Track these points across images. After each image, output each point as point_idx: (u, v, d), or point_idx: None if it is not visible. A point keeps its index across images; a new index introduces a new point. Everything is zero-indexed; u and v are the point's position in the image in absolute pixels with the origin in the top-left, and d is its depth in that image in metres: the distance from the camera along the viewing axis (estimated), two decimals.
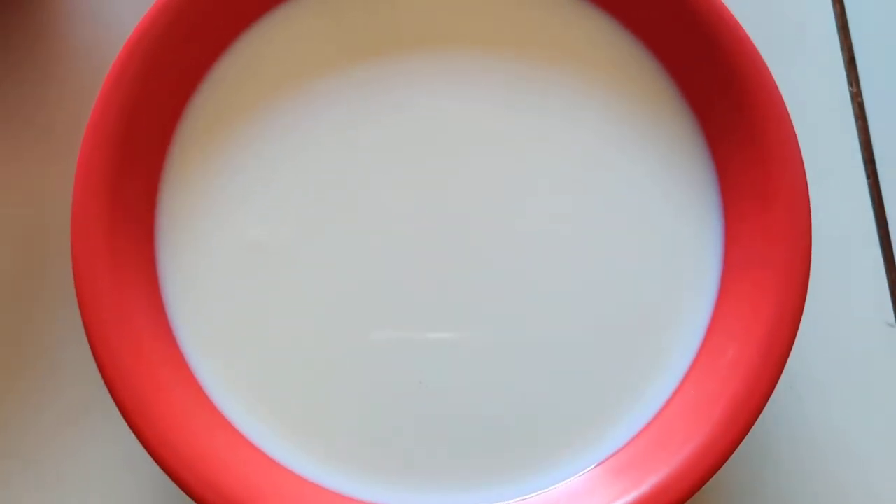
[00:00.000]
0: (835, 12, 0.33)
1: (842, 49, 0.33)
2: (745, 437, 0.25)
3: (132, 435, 0.26)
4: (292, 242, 0.27)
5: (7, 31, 0.31)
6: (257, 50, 0.28)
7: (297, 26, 0.28)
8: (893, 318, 0.31)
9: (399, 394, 0.26)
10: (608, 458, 0.26)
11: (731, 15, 0.27)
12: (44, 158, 0.30)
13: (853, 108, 0.32)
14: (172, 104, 0.27)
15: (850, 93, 0.32)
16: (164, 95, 0.27)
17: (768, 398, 0.25)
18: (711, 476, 0.24)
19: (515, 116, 0.28)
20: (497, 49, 0.28)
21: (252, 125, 0.28)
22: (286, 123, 0.28)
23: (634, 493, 0.25)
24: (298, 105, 0.28)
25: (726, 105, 0.27)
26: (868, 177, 0.32)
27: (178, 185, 0.27)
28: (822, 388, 0.30)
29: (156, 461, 0.25)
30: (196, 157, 0.27)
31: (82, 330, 0.28)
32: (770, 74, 0.26)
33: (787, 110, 0.27)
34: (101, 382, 0.26)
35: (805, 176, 0.26)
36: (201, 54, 0.27)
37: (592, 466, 0.26)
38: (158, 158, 0.27)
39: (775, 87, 0.26)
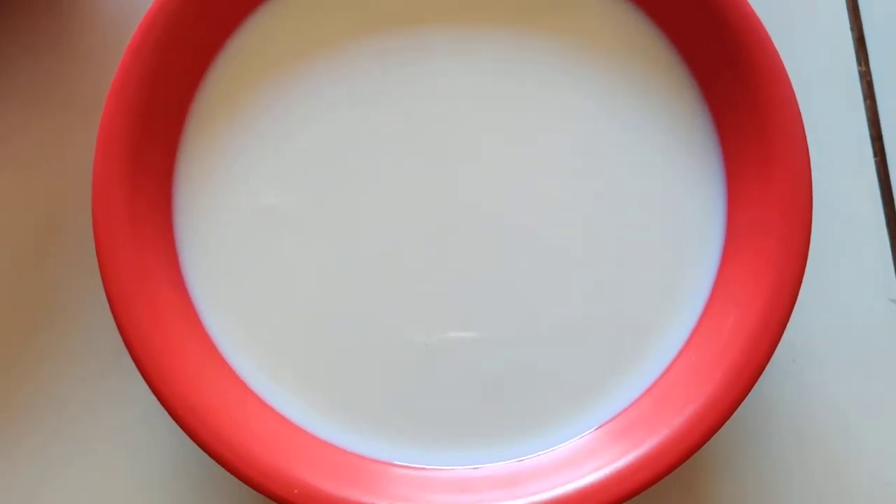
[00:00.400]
0: None
1: (851, 28, 0.33)
2: (742, 400, 0.25)
3: (149, 394, 0.27)
4: (305, 208, 0.28)
5: (29, 5, 0.32)
6: (273, 23, 0.29)
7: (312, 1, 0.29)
8: None
9: (405, 354, 0.27)
10: (609, 421, 0.27)
11: None
12: (65, 126, 0.31)
13: (862, 87, 0.33)
14: (191, 73, 0.28)
15: (859, 71, 0.33)
16: (183, 65, 0.28)
17: (766, 363, 0.26)
18: (708, 438, 0.25)
19: (521, 90, 0.28)
20: (504, 24, 0.29)
21: (268, 95, 0.28)
22: (301, 94, 0.28)
23: (633, 454, 0.25)
24: (313, 77, 0.28)
25: (730, 77, 0.27)
26: (875, 154, 0.32)
27: (196, 152, 0.28)
28: (823, 361, 0.31)
29: (171, 415, 0.26)
30: (213, 124, 0.28)
31: (100, 293, 0.29)
32: (774, 46, 0.27)
33: (789, 81, 0.27)
34: (119, 344, 0.27)
35: (807, 145, 0.27)
36: (219, 26, 0.28)
37: (593, 429, 0.27)
38: (177, 125, 0.28)
39: (778, 59, 0.27)
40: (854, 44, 0.33)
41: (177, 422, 0.26)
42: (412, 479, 0.26)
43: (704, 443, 0.25)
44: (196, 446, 0.26)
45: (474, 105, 0.28)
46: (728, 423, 0.26)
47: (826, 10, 0.33)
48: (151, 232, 0.27)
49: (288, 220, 0.28)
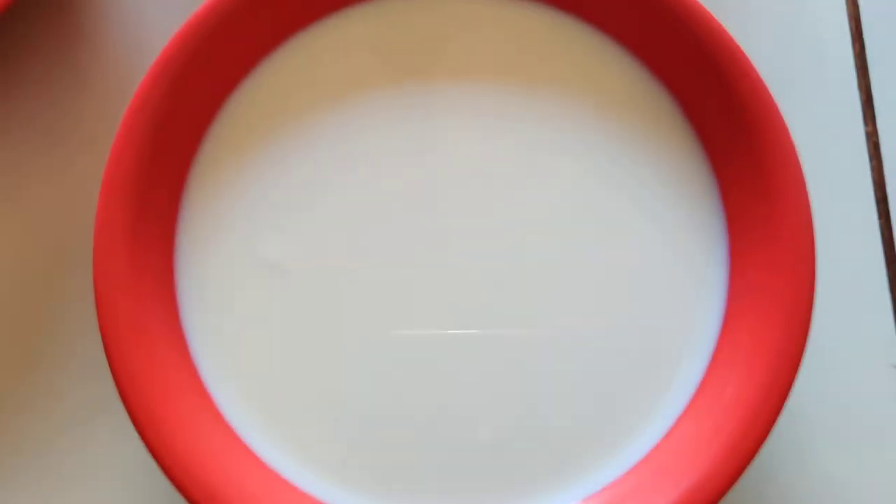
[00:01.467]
0: (854, 51, 0.33)
1: (859, 87, 0.32)
2: (739, 477, 0.25)
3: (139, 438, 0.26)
4: (312, 264, 0.27)
5: (41, 34, 0.31)
6: (286, 68, 0.28)
7: (330, 45, 0.28)
8: None
9: (407, 417, 0.27)
10: (595, 494, 0.26)
11: (741, 50, 0.27)
12: (72, 160, 0.31)
13: (868, 148, 0.32)
14: (201, 119, 0.27)
15: (866, 132, 0.32)
16: (190, 114, 0.27)
17: (765, 438, 0.25)
18: None
19: (529, 145, 0.28)
20: (516, 82, 0.28)
21: (276, 147, 0.28)
22: (312, 143, 0.28)
23: None
24: (325, 125, 0.28)
25: (733, 137, 0.27)
26: (879, 216, 0.32)
27: (202, 202, 0.27)
28: (824, 431, 0.30)
29: (164, 472, 0.25)
30: (220, 173, 0.28)
31: (97, 332, 0.29)
32: (777, 110, 0.26)
33: (793, 144, 0.26)
34: (111, 386, 0.26)
35: (810, 210, 0.26)
36: (231, 71, 0.28)
37: (581, 499, 0.26)
38: (183, 171, 0.27)
39: (782, 122, 0.26)
40: (861, 104, 0.32)
41: (168, 477, 0.25)
42: None
43: None
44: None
45: (485, 163, 0.28)
46: None
47: (834, 68, 0.32)
48: (153, 282, 0.26)
49: (296, 275, 0.27)
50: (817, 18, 0.33)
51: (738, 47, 0.26)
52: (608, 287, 0.27)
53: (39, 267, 0.30)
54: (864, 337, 0.31)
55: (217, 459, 0.26)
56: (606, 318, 0.27)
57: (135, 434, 0.27)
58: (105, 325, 0.25)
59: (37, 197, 0.31)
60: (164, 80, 0.26)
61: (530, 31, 0.28)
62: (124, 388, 0.25)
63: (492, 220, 0.28)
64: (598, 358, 0.27)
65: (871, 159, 0.32)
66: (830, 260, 0.30)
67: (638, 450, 0.27)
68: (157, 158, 0.26)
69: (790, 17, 0.32)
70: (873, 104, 0.32)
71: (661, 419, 0.27)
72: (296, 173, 0.28)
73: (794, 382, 0.26)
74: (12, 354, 0.30)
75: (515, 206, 0.28)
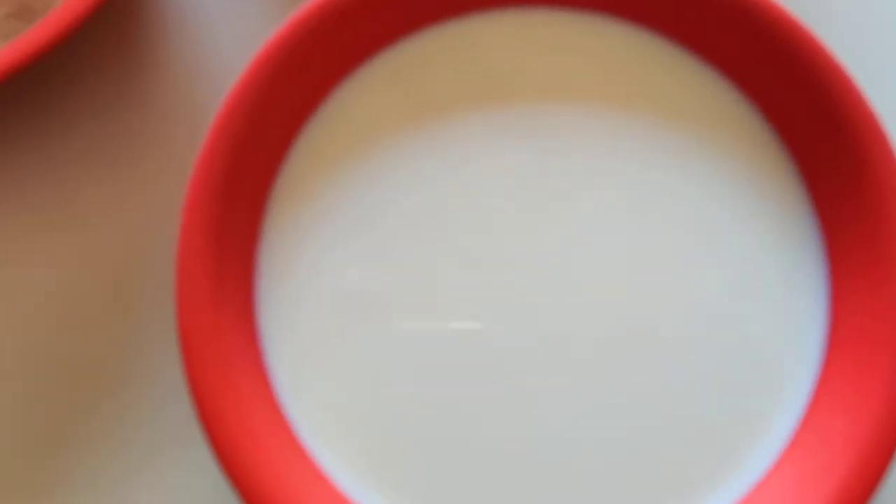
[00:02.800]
0: None
1: None
2: None
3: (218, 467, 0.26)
4: (392, 292, 0.27)
5: (108, 62, 0.31)
6: (358, 96, 0.28)
7: (404, 70, 0.28)
8: None
9: (498, 455, 0.26)
10: None
11: (851, 80, 0.26)
12: (142, 185, 0.30)
13: None
14: (279, 146, 0.27)
15: None
16: (268, 141, 0.27)
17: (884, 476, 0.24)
18: None
19: (618, 174, 0.28)
20: (595, 106, 0.28)
21: (354, 170, 0.27)
22: (389, 169, 0.27)
23: None
24: (402, 150, 0.28)
25: (840, 177, 0.27)
26: None
27: (281, 232, 0.27)
28: None
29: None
30: (298, 201, 0.27)
31: (169, 361, 0.29)
32: (892, 150, 0.26)
33: None
34: (188, 413, 0.27)
35: None
36: (307, 97, 0.27)
37: None
38: (260, 203, 0.27)
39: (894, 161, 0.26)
40: None
41: None
42: None
43: None
44: None
45: (574, 187, 0.28)
46: None
47: None
48: (234, 318, 0.26)
49: (377, 304, 0.27)
50: None
51: (850, 80, 0.26)
52: (702, 321, 0.27)
53: (112, 297, 0.30)
54: None
55: (302, 496, 0.25)
56: (699, 354, 0.27)
57: (213, 468, 0.28)
58: (190, 364, 0.25)
59: (104, 225, 0.30)
60: (242, 107, 0.26)
61: (625, 55, 0.28)
62: (211, 427, 0.25)
63: (585, 247, 0.27)
64: (690, 394, 0.27)
65: None
66: None
67: (730, 496, 0.26)
68: (236, 188, 0.26)
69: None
70: None
71: (755, 462, 0.26)
72: (372, 200, 0.27)
73: None
74: (83, 389, 0.30)
75: (609, 235, 0.27)
